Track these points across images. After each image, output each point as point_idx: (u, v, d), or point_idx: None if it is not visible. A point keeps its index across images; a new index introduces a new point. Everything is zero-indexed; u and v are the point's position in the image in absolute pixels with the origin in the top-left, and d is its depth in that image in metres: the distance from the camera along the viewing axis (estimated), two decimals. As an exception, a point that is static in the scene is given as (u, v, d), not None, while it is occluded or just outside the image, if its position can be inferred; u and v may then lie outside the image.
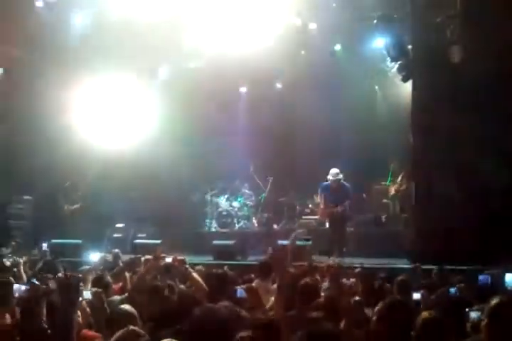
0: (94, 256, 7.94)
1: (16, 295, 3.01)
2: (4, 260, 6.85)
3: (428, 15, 7.68)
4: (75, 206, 11.68)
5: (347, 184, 9.40)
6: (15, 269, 6.15)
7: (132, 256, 6.20)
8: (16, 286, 3.01)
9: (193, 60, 13.13)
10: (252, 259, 9.33)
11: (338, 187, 9.22)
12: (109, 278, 5.38)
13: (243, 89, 13.76)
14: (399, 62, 8.48)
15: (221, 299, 3.79)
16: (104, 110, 13.43)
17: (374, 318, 3.01)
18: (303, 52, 12.48)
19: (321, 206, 9.57)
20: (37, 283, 3.13)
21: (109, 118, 13.61)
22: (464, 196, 7.70)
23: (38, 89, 11.55)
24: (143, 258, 5.43)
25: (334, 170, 9.33)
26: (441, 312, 3.19)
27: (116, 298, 4.78)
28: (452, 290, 4.35)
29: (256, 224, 12.17)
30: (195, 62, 13.20)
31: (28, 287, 3.03)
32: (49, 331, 2.89)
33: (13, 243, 10.36)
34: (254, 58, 12.19)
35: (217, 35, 12.28)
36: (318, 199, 10.06)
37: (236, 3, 11.37)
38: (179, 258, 4.63)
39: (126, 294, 4.76)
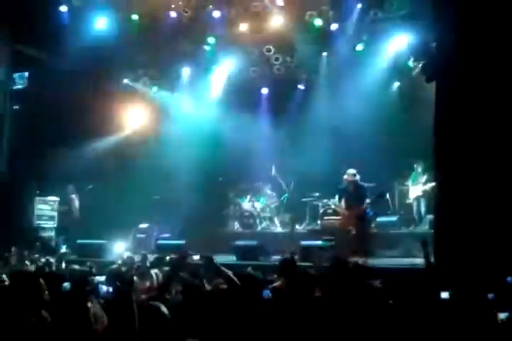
0: (118, 256, 8.06)
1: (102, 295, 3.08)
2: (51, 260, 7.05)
3: (453, 14, 7.58)
4: (63, 207, 11.88)
5: (363, 184, 9.58)
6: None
7: (158, 256, 6.26)
8: (103, 288, 3.07)
9: (214, 61, 13.22)
10: (274, 260, 9.34)
11: (354, 189, 9.48)
12: (134, 278, 5.46)
13: (265, 91, 13.76)
14: (423, 62, 8.38)
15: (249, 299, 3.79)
16: (128, 111, 13.63)
17: None
18: (324, 53, 12.45)
19: (341, 210, 9.71)
20: (121, 285, 3.20)
21: (132, 120, 13.80)
22: (490, 196, 7.58)
23: (62, 91, 11.74)
24: (168, 258, 5.48)
25: (351, 171, 9.56)
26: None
27: (143, 297, 4.83)
28: (490, 295, 4.31)
29: (278, 225, 12.16)
30: (216, 63, 13.30)
31: (112, 288, 3.08)
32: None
33: (38, 243, 10.54)
34: (275, 59, 12.27)
35: (238, 35, 12.36)
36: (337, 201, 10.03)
37: (260, 3, 11.44)
38: (206, 255, 4.63)
39: (154, 294, 4.80)
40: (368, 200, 9.36)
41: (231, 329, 2.37)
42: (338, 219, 10.77)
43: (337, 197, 9.91)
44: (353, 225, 9.42)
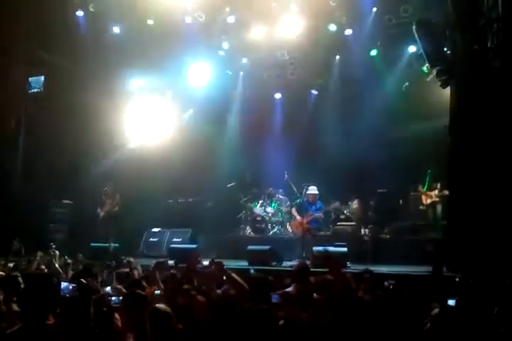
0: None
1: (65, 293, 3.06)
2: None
3: (469, 19, 7.54)
4: (105, 211, 11.81)
5: (321, 203, 10.24)
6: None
7: (159, 261, 6.27)
8: (63, 285, 3.05)
9: (227, 66, 13.28)
10: (286, 265, 9.32)
11: (313, 201, 10.13)
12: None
13: (278, 95, 13.77)
14: (438, 68, 8.33)
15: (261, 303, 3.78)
16: (140, 115, 13.72)
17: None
18: (338, 56, 12.44)
19: (297, 218, 10.22)
20: (85, 281, 3.19)
21: (144, 124, 13.88)
22: (505, 204, 7.49)
23: (77, 95, 11.85)
24: (170, 262, 5.48)
25: (313, 187, 10.31)
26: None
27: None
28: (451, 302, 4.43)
29: (290, 230, 12.11)
30: (230, 68, 13.35)
31: (75, 285, 3.06)
32: (96, 330, 2.94)
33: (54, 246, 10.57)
34: (289, 64, 12.29)
35: (253, 40, 12.41)
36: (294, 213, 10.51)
37: (273, 7, 11.46)
38: (217, 261, 4.61)
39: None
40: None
41: (237, 334, 2.35)
42: (352, 225, 10.92)
43: (293, 209, 10.61)
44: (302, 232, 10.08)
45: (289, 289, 5.37)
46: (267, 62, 12.80)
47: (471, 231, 7.71)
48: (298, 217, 10.24)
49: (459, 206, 8.11)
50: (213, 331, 3.43)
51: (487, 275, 6.03)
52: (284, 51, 12.35)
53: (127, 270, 6.34)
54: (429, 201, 10.80)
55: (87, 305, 3.07)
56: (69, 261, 7.42)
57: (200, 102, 13.81)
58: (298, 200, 11.80)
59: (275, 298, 4.37)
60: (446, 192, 10.02)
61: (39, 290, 3.21)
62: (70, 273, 6.81)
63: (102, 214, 11.75)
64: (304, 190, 10.83)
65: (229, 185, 12.71)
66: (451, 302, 4.46)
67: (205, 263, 4.81)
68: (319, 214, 10.10)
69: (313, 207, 10.13)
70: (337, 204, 11.17)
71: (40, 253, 7.72)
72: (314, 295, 4.68)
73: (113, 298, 3.65)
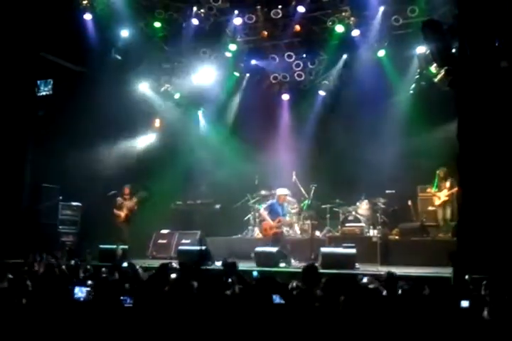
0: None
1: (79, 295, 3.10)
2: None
3: (476, 19, 7.50)
4: (127, 208, 11.63)
5: (286, 206, 10.65)
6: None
7: (166, 262, 6.27)
8: (77, 288, 3.10)
9: (235, 68, 13.30)
10: (294, 266, 9.31)
11: (283, 203, 10.34)
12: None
13: (286, 97, 13.75)
14: (446, 68, 8.29)
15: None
16: (149, 117, 13.78)
17: None
18: (345, 56, 12.41)
19: (268, 221, 10.15)
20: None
21: (153, 126, 13.96)
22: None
23: (86, 98, 11.92)
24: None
25: (283, 189, 10.48)
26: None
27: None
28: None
29: (298, 232, 12.10)
30: (237, 70, 13.38)
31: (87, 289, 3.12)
32: None
33: (67, 248, 10.63)
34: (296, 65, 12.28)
35: (260, 42, 12.44)
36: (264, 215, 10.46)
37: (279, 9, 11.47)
38: (230, 261, 4.66)
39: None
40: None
41: (239, 333, 2.38)
42: (361, 226, 10.77)
43: (267, 211, 10.39)
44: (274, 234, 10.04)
45: (296, 290, 5.37)
46: (274, 64, 12.81)
47: (482, 232, 7.65)
48: (269, 221, 10.17)
49: (470, 207, 8.04)
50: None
51: (500, 276, 5.99)
52: (291, 52, 12.35)
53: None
54: (439, 202, 10.75)
55: None
56: (80, 263, 7.49)
57: (207, 104, 13.88)
58: (305, 201, 11.70)
59: (278, 299, 4.38)
60: (453, 193, 9.98)
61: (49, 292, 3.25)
62: (81, 275, 6.86)
63: (123, 214, 11.40)
64: (312, 191, 10.84)
65: None
66: (464, 303, 4.41)
67: (218, 264, 4.85)
68: (286, 220, 10.43)
69: (283, 211, 10.29)
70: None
71: (47, 256, 7.77)
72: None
73: (122, 297, 3.65)
